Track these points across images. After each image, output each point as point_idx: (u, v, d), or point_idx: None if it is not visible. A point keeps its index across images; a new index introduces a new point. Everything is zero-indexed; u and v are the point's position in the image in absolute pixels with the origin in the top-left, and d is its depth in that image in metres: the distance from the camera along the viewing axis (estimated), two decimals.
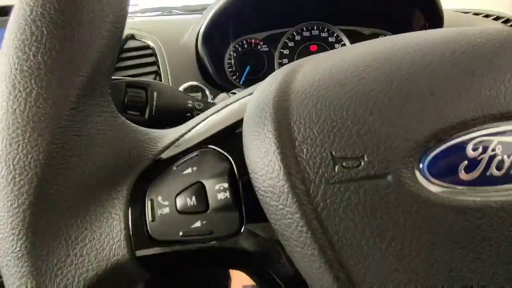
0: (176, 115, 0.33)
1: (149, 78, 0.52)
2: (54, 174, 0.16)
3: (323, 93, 0.16)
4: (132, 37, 0.57)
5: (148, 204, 0.17)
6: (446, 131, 0.14)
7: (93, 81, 0.17)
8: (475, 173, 0.15)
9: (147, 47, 0.56)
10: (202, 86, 0.52)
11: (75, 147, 0.17)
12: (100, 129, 0.18)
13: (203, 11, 0.59)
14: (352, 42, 0.61)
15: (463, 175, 0.15)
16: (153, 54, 0.55)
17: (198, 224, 0.16)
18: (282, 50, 0.61)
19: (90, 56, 0.17)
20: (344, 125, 0.15)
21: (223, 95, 0.41)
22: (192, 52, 0.54)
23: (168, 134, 0.21)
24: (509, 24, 0.66)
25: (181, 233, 0.16)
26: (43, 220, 0.16)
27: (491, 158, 0.14)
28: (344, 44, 0.61)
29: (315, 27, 0.62)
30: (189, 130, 0.20)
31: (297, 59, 0.61)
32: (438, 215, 0.14)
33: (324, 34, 0.62)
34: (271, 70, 0.61)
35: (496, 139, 0.15)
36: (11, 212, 0.15)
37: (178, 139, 0.20)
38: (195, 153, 0.18)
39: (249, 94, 0.20)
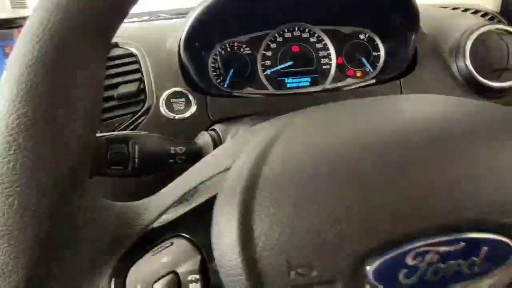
0: (159, 163, 0.34)
1: (132, 86, 0.53)
2: (43, 268, 0.16)
3: (282, 203, 0.17)
4: (115, 45, 0.58)
5: None
6: (388, 244, 0.16)
7: (75, 178, 0.18)
8: (414, 279, 0.16)
9: (131, 54, 0.56)
10: (185, 92, 0.53)
11: (61, 240, 0.17)
12: (82, 217, 0.18)
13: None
14: (332, 41, 0.62)
15: (404, 280, 0.16)
16: (137, 62, 0.56)
17: None
18: (265, 52, 0.62)
19: (69, 158, 0.18)
20: (299, 236, 0.16)
21: (203, 135, 0.41)
22: (175, 58, 0.55)
23: (149, 209, 0.21)
24: (487, 17, 0.67)
25: None
26: None
27: (428, 265, 0.16)
28: (325, 43, 0.62)
29: (296, 28, 0.62)
30: (168, 208, 0.20)
31: (279, 60, 0.62)
32: None
33: (305, 35, 0.62)
34: (255, 72, 0.62)
35: (433, 248, 0.16)
36: None
37: (156, 219, 0.20)
38: (169, 242, 0.19)
39: (224, 170, 0.21)
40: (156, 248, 0.19)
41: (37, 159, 0.16)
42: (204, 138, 0.41)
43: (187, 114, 0.52)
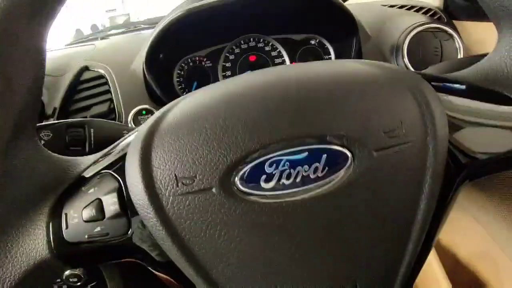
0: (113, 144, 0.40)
1: (104, 106, 0.59)
2: None
3: (173, 134, 0.23)
4: (86, 68, 0.63)
5: (63, 217, 0.24)
6: (250, 156, 0.22)
7: (20, 124, 0.23)
8: (272, 183, 0.22)
9: (101, 76, 0.62)
10: (151, 108, 0.58)
11: (9, 178, 0.23)
12: (27, 164, 0.24)
13: None
14: (286, 49, 0.68)
15: (264, 185, 0.22)
16: (106, 83, 0.61)
17: (98, 229, 0.23)
18: (224, 64, 0.67)
19: (16, 106, 0.22)
20: (183, 155, 0.22)
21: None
22: (141, 77, 0.60)
23: (83, 161, 0.27)
24: (429, 13, 0.72)
25: (86, 236, 0.23)
26: None
27: (282, 171, 0.22)
28: (279, 51, 0.68)
29: (251, 39, 0.68)
30: (98, 159, 0.27)
31: (238, 70, 0.67)
32: (248, 213, 0.22)
33: (260, 44, 0.68)
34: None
35: (284, 158, 0.22)
36: None
37: (88, 166, 0.26)
38: (97, 177, 0.25)
39: (136, 132, 0.27)
40: (86, 183, 0.24)
41: None
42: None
43: None
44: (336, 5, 0.59)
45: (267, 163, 0.22)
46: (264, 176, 0.22)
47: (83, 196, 0.24)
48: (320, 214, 0.22)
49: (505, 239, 0.68)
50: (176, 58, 0.66)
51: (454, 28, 0.65)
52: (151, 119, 0.25)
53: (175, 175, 0.22)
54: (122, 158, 0.24)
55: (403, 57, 0.61)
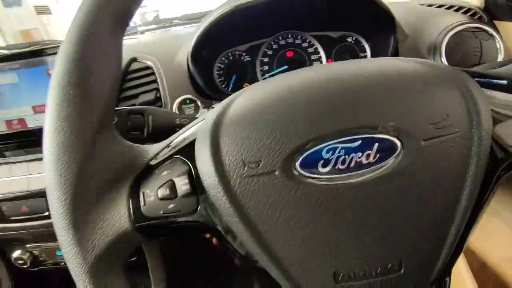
0: (168, 131, 0.44)
1: (151, 95, 0.63)
2: (83, 179, 0.26)
3: (239, 124, 0.26)
4: (134, 59, 0.68)
5: (141, 195, 0.27)
6: (309, 143, 0.25)
7: (104, 119, 0.27)
8: (328, 168, 0.25)
9: (148, 67, 0.67)
10: (194, 98, 0.62)
11: (94, 163, 0.27)
12: (110, 152, 0.28)
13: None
14: (323, 46, 0.70)
15: (321, 169, 0.25)
16: (153, 73, 0.65)
17: (171, 206, 0.27)
18: (262, 59, 0.70)
19: (102, 101, 0.27)
20: (249, 143, 0.25)
21: (203, 110, 0.51)
22: (185, 69, 0.65)
23: (153, 148, 0.30)
24: (470, 13, 0.72)
25: (161, 212, 0.27)
26: (81, 206, 0.26)
27: (338, 157, 0.25)
28: (316, 48, 0.70)
29: (289, 35, 0.70)
30: (167, 146, 0.30)
31: (276, 65, 0.70)
32: (307, 192, 0.25)
33: (298, 41, 0.70)
34: (255, 76, 0.70)
35: (340, 145, 0.25)
36: (60, 203, 0.25)
37: (159, 152, 0.30)
38: (168, 161, 0.28)
39: (202, 120, 0.30)
40: (160, 167, 0.28)
41: (79, 111, 0.26)
42: (203, 113, 0.51)
43: (197, 116, 0.62)
44: (375, 2, 0.61)
45: (324, 150, 0.25)
46: (321, 161, 0.25)
47: (158, 178, 0.27)
48: (371, 197, 0.25)
49: None
50: (217, 52, 0.70)
51: (495, 28, 0.65)
52: (215, 110, 0.28)
53: (242, 159, 0.25)
54: (191, 145, 0.28)
55: (441, 57, 0.62)
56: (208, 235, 0.28)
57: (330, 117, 0.25)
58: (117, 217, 0.27)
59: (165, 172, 0.27)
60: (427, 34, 0.65)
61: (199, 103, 0.62)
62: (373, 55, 0.69)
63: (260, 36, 0.70)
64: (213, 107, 0.57)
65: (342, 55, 0.70)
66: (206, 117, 0.29)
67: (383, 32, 0.64)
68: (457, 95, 0.26)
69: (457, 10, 0.72)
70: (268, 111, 0.26)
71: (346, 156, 0.24)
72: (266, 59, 0.70)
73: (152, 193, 0.27)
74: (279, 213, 0.25)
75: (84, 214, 0.26)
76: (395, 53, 0.64)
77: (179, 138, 0.30)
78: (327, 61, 0.70)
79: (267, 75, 0.70)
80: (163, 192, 0.27)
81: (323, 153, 0.25)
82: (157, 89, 0.64)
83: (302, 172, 0.25)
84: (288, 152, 0.24)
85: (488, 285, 0.78)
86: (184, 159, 0.28)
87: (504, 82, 0.30)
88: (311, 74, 0.28)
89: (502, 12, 0.69)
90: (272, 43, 0.70)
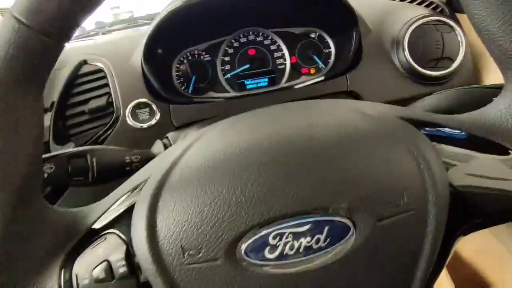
0: (117, 171, 0.40)
1: (102, 100, 0.58)
2: (8, 261, 0.22)
3: (179, 200, 0.23)
4: (84, 62, 0.63)
5: (74, 278, 0.24)
6: (254, 229, 0.22)
7: (24, 197, 0.23)
8: (276, 253, 0.22)
9: (99, 70, 0.62)
10: (149, 102, 0.58)
11: (20, 243, 0.23)
12: (35, 226, 0.24)
13: None
14: (286, 43, 0.67)
15: (268, 255, 0.22)
16: (105, 77, 0.61)
17: None
18: (223, 58, 0.67)
19: (18, 171, 0.23)
20: (189, 227, 0.22)
21: (158, 143, 0.47)
22: (139, 71, 0.60)
23: (91, 212, 0.27)
24: (432, 7, 0.71)
25: None
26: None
27: (286, 243, 0.22)
28: (279, 45, 0.67)
29: (250, 32, 0.67)
30: (104, 212, 0.26)
31: (238, 63, 0.67)
32: (253, 281, 0.22)
33: (259, 38, 0.67)
34: (215, 77, 0.67)
35: (288, 230, 0.22)
36: None
37: (100, 215, 0.26)
38: (103, 237, 0.25)
39: (144, 181, 0.26)
40: (94, 242, 0.25)
41: None
42: (157, 146, 0.47)
43: (152, 122, 0.58)
44: None
45: (271, 236, 0.22)
46: (268, 248, 0.22)
47: (92, 256, 0.24)
48: (323, 283, 0.23)
49: (506, 235, 0.67)
50: (174, 52, 0.66)
51: (457, 21, 0.64)
52: (158, 172, 0.25)
53: (182, 246, 0.22)
54: (129, 214, 0.25)
55: (403, 51, 0.60)
56: None
57: (278, 198, 0.23)
58: None
59: (100, 250, 0.24)
60: (389, 28, 0.63)
61: (154, 107, 0.58)
62: (337, 50, 0.67)
63: (219, 34, 0.67)
64: (166, 138, 0.53)
65: (306, 52, 0.67)
66: (146, 183, 0.26)
67: (345, 27, 0.62)
68: (413, 165, 0.24)
69: (419, 4, 0.72)
70: (209, 192, 0.23)
71: (295, 242, 0.22)
72: (227, 58, 0.67)
73: (86, 275, 0.24)
74: None
75: None
76: (359, 48, 0.62)
77: (117, 202, 0.27)
78: (290, 58, 0.67)
79: (228, 75, 0.67)
80: (98, 274, 0.24)
81: (270, 238, 0.22)
82: (109, 94, 0.59)
83: (247, 259, 0.22)
84: (231, 238, 0.22)
85: (464, 279, 0.78)
86: (120, 234, 0.25)
87: (461, 134, 0.27)
88: (259, 135, 0.26)
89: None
90: (233, 41, 0.67)
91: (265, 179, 0.23)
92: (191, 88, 0.66)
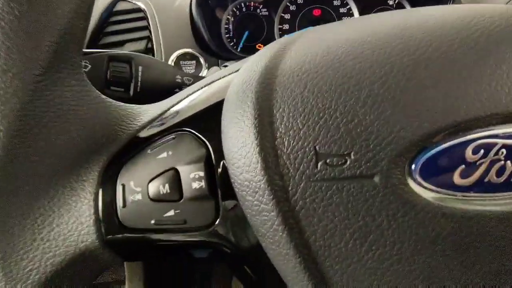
0: (163, 91, 0.32)
1: (141, 44, 0.50)
2: (19, 152, 0.15)
3: (312, 78, 0.14)
4: None
5: (119, 189, 0.16)
6: (445, 130, 0.13)
7: (61, 51, 0.16)
8: (472, 179, 0.13)
9: (138, 9, 0.53)
10: (196, 53, 0.49)
11: (41, 124, 0.15)
12: (69, 105, 0.16)
13: None
14: (358, 6, 0.57)
15: (458, 180, 0.13)
16: (145, 18, 0.52)
17: (171, 213, 0.16)
18: (283, 15, 0.57)
19: (57, 22, 0.15)
20: (331, 117, 0.14)
21: (215, 68, 0.38)
22: (186, 16, 0.51)
23: (147, 111, 0.19)
24: None
25: (153, 222, 0.16)
26: (8, 201, 0.15)
27: (492, 163, 0.13)
28: (350, 8, 0.57)
29: None
30: (169, 108, 0.19)
31: (298, 24, 0.57)
32: (425, 221, 0.13)
33: None
34: (271, 36, 0.57)
35: (500, 141, 0.13)
36: None
37: (156, 118, 0.19)
38: (171, 136, 0.17)
39: (236, 71, 0.19)
40: (155, 144, 0.17)
41: (21, 21, 0.14)
42: (215, 72, 0.38)
43: None
44: None
45: (469, 147, 0.13)
46: (461, 168, 0.13)
47: (151, 162, 0.16)
48: None
49: None
50: (227, 1, 0.56)
51: None
52: (261, 55, 0.16)
53: (315, 148, 0.13)
54: (213, 112, 0.16)
55: None
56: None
57: (482, 86, 0.13)
58: (75, 226, 0.16)
59: (163, 154, 0.16)
60: (489, 3, 0.53)
61: (202, 60, 0.49)
62: None
63: None
64: (225, 66, 0.45)
65: None
66: (244, 66, 0.17)
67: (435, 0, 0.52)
68: None
69: None
70: (368, 66, 0.14)
71: (508, 162, 0.13)
72: (287, 16, 0.57)
73: (139, 188, 0.16)
74: (372, 251, 0.13)
75: (15, 217, 0.15)
76: None
77: (191, 98, 0.19)
78: None
79: (286, 36, 0.57)
80: (158, 187, 0.16)
81: (467, 151, 0.13)
82: (149, 38, 0.50)
83: (423, 182, 0.13)
84: (402, 144, 0.13)
85: None
86: (198, 134, 0.17)
87: None
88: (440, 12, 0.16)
89: None
90: None
91: (461, 54, 0.14)
92: (241, 45, 0.57)
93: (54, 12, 0.15)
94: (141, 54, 0.32)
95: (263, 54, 0.16)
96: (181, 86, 0.33)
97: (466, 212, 0.13)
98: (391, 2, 0.57)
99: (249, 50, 0.57)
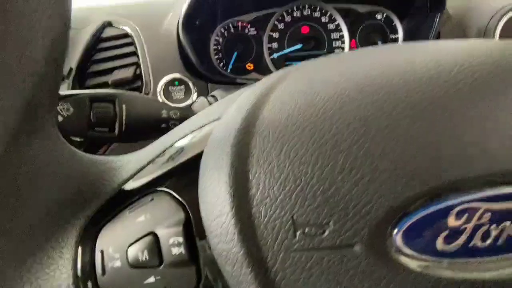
0: (150, 127, 0.31)
1: (129, 71, 0.49)
2: None
3: (288, 139, 0.14)
4: (109, 24, 0.53)
5: (98, 256, 0.16)
6: (426, 196, 0.12)
7: (32, 110, 0.15)
8: (456, 244, 0.12)
9: (126, 35, 0.52)
10: (185, 79, 0.49)
11: (13, 186, 0.15)
12: (41, 165, 0.16)
13: None
14: (346, 22, 0.57)
15: (442, 246, 0.13)
16: (133, 43, 0.51)
17: (151, 279, 0.15)
18: (271, 33, 0.57)
19: (24, 92, 0.15)
20: (308, 185, 0.13)
21: (201, 100, 0.38)
22: (174, 40, 0.51)
23: (127, 164, 0.19)
24: None
25: None
26: None
27: (476, 227, 0.12)
28: (338, 24, 0.57)
29: (306, 6, 0.57)
30: (149, 162, 0.18)
31: (287, 42, 0.57)
32: None
33: (316, 14, 0.57)
34: (260, 55, 0.57)
35: (484, 205, 0.12)
36: None
37: (135, 173, 0.18)
38: (149, 197, 0.16)
39: (213, 121, 0.18)
40: (133, 205, 0.16)
41: None
42: (201, 103, 0.38)
43: (188, 102, 0.49)
44: None
45: (452, 212, 0.12)
46: (444, 233, 0.13)
47: (129, 226, 0.16)
48: None
49: None
50: (215, 22, 0.56)
51: None
52: (240, 105, 0.16)
53: (292, 217, 0.13)
54: (192, 168, 0.16)
55: None
56: None
57: (463, 149, 0.13)
58: None
59: (141, 218, 0.16)
60: (475, 15, 0.53)
61: (191, 85, 0.49)
62: (406, 39, 0.56)
63: (270, 4, 0.56)
64: (212, 96, 0.44)
65: (368, 36, 0.57)
66: (219, 122, 0.17)
67: (425, 11, 0.52)
68: None
69: None
70: (345, 127, 0.14)
71: (493, 226, 0.12)
72: (275, 35, 0.57)
73: (118, 254, 0.15)
74: None
75: None
76: (437, 38, 0.52)
77: (170, 151, 0.18)
78: (350, 42, 0.57)
79: (275, 55, 0.57)
80: (137, 253, 0.15)
81: (450, 217, 0.13)
82: (137, 64, 0.50)
83: (406, 250, 0.13)
84: (382, 214, 0.12)
85: None
86: (178, 197, 0.16)
87: None
88: (419, 57, 0.16)
89: None
90: (285, 14, 0.57)
91: (440, 113, 0.13)
92: (230, 66, 0.56)
93: (28, 63, 0.15)
94: (124, 91, 0.32)
95: (244, 103, 0.16)
96: (167, 121, 0.33)
97: (452, 280, 0.12)
98: (379, 17, 0.57)
99: (239, 70, 0.57)
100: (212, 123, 0.18)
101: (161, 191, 0.16)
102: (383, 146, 0.13)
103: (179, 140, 0.19)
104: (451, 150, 0.13)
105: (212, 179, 0.14)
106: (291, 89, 0.16)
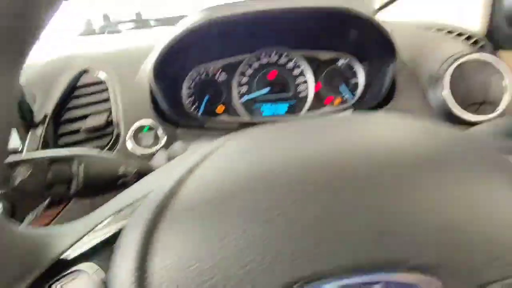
0: (106, 184, 0.33)
1: (101, 118, 0.52)
2: None
3: (184, 234, 0.16)
4: (85, 71, 0.56)
5: None
6: (296, 284, 0.15)
7: None
8: None
9: (100, 82, 0.55)
10: (153, 126, 0.51)
11: None
12: None
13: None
14: (310, 67, 0.60)
15: None
16: (107, 90, 0.54)
17: None
18: (241, 78, 0.60)
19: None
20: (197, 275, 0.15)
21: (161, 154, 0.40)
22: (146, 88, 0.53)
23: (63, 237, 0.20)
24: (471, 41, 0.65)
25: None
26: None
27: None
28: (302, 70, 0.61)
29: (273, 52, 0.61)
30: (81, 237, 0.20)
31: (256, 86, 0.60)
32: None
33: (283, 60, 0.61)
34: (230, 99, 0.60)
35: None
36: None
37: (69, 247, 0.20)
38: (74, 275, 0.18)
39: (139, 199, 0.20)
40: (62, 280, 0.18)
41: None
42: (160, 158, 0.40)
43: (157, 147, 0.51)
44: (373, 24, 0.52)
45: None
46: None
47: None
48: None
49: None
50: (186, 68, 0.59)
51: (500, 61, 0.58)
52: (153, 198, 0.18)
53: None
54: (109, 245, 0.18)
55: (442, 90, 0.54)
56: None
57: (333, 243, 0.15)
58: None
59: None
60: (427, 63, 0.57)
61: (159, 132, 0.51)
62: (368, 82, 0.60)
63: (238, 51, 0.60)
64: (173, 148, 0.46)
65: (332, 80, 0.61)
66: (142, 203, 0.19)
67: (381, 58, 0.56)
68: None
69: (458, 35, 0.65)
70: (234, 213, 0.16)
71: None
72: (244, 79, 0.60)
73: None
74: None
75: None
76: (392, 83, 0.56)
77: (105, 222, 0.20)
78: (314, 85, 0.61)
79: (244, 98, 0.60)
80: None
81: None
82: (111, 111, 0.52)
83: None
84: None
85: None
86: (98, 271, 0.18)
87: None
88: (306, 149, 0.19)
89: (507, 41, 0.63)
90: (253, 60, 0.60)
91: (314, 213, 0.16)
92: (202, 109, 0.59)
93: None
94: (83, 150, 0.34)
95: (158, 191, 0.18)
96: (125, 177, 0.35)
97: None
98: (340, 63, 0.61)
99: (210, 113, 0.60)
100: (138, 201, 0.20)
101: (83, 270, 0.18)
102: (263, 238, 0.15)
103: (107, 217, 0.21)
104: (323, 244, 0.15)
105: (121, 263, 0.16)
106: (200, 179, 0.19)
